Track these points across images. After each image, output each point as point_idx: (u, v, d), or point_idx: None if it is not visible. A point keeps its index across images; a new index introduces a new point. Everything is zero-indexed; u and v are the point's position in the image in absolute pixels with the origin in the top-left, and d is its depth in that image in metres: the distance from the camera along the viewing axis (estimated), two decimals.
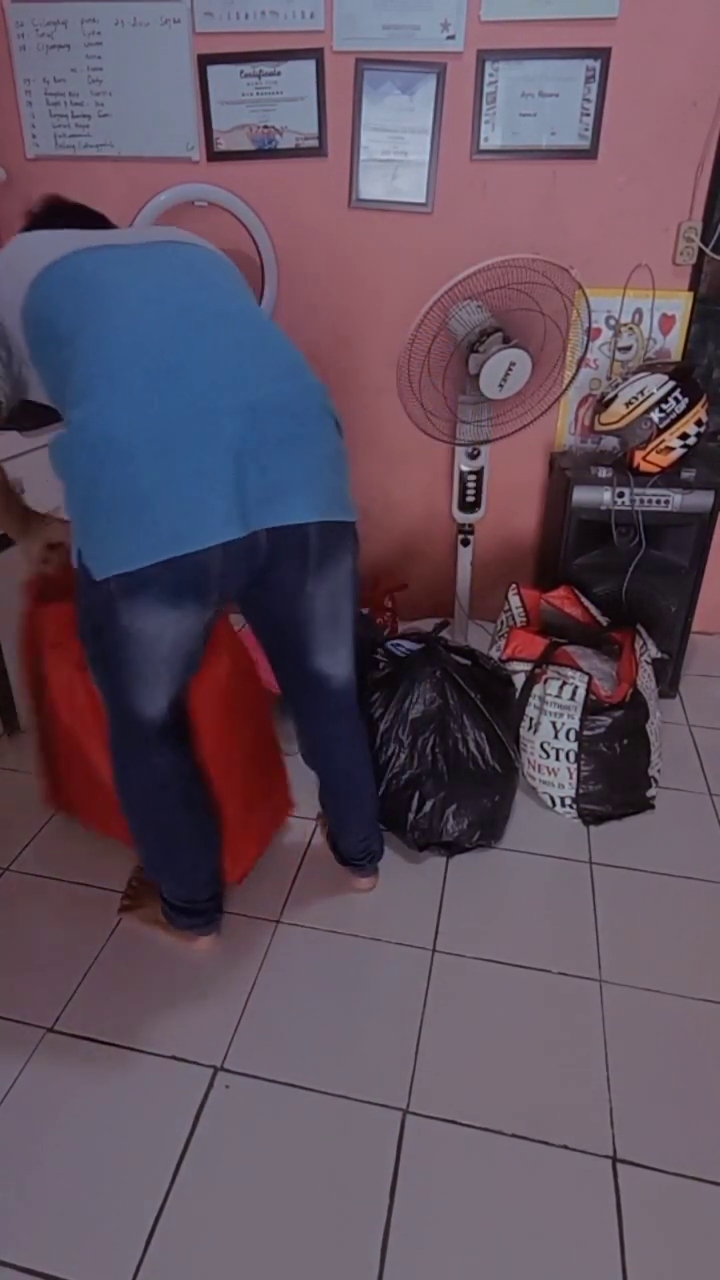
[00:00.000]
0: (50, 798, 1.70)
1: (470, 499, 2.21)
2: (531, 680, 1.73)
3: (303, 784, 1.51)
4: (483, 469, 2.17)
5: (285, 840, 1.69)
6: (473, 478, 2.18)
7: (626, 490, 1.96)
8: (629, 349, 2.16)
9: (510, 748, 1.64)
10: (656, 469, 1.96)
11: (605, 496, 1.97)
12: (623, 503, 1.97)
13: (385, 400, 2.16)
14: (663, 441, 1.91)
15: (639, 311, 2.13)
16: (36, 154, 2.19)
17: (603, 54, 1.90)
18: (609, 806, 1.73)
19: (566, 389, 2.00)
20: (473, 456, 2.15)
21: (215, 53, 2.02)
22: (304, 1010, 1.32)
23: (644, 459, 1.95)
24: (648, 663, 1.81)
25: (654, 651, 1.86)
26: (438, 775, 1.59)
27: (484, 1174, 1.09)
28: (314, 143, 2.07)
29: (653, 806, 1.77)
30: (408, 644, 1.75)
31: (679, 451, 1.93)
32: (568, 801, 1.73)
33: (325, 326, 2.26)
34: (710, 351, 2.17)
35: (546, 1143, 1.13)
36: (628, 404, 1.92)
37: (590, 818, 1.73)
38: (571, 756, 1.68)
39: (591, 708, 1.65)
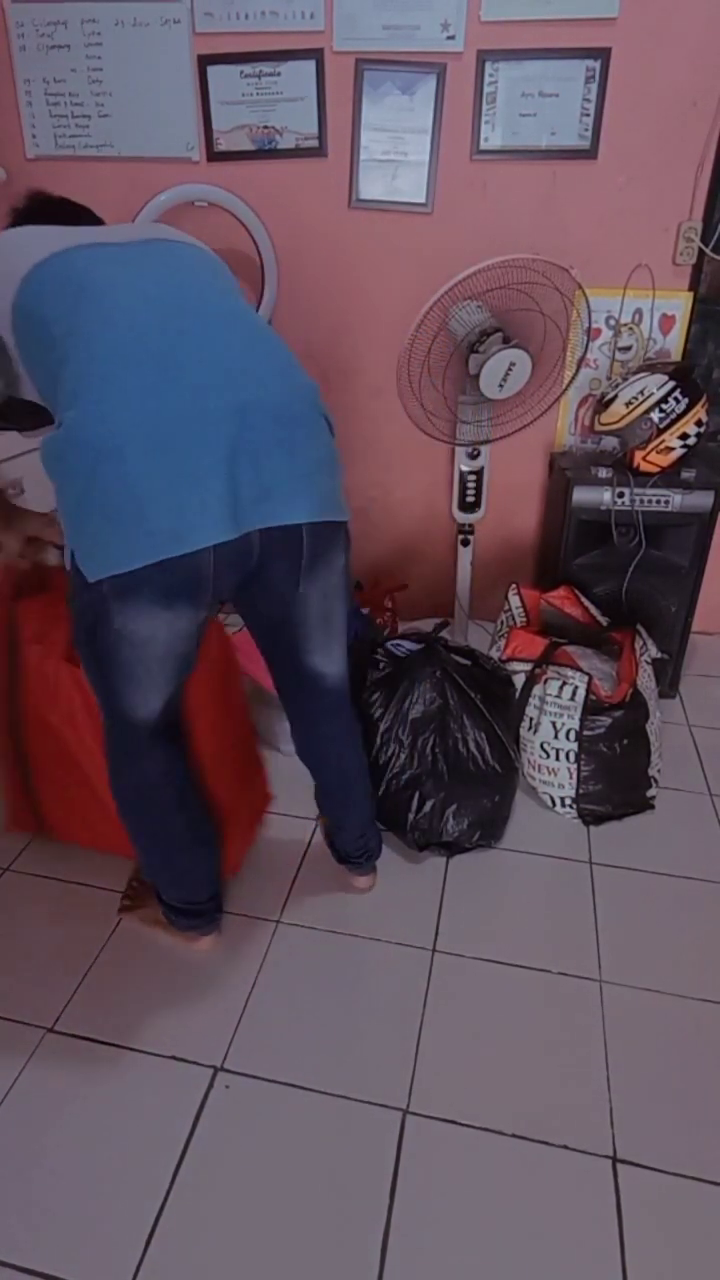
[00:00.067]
0: (20, 821, 1.63)
1: (470, 499, 2.21)
2: (531, 680, 1.73)
3: (302, 784, 1.51)
4: (483, 469, 2.17)
5: (285, 840, 1.69)
6: (473, 478, 2.18)
7: (626, 490, 1.96)
8: (629, 349, 2.16)
9: (510, 748, 1.64)
10: (656, 469, 1.96)
11: (605, 496, 1.97)
12: (623, 503, 1.97)
13: (385, 400, 2.16)
14: (663, 441, 1.91)
15: (639, 311, 2.13)
16: (36, 154, 2.19)
17: (603, 54, 1.90)
18: (609, 806, 1.73)
19: (566, 389, 2.00)
20: (473, 456, 2.15)
21: (215, 53, 2.02)
22: (304, 1010, 1.32)
23: (644, 459, 1.95)
24: (648, 663, 1.81)
25: (654, 651, 1.86)
26: (438, 775, 1.59)
27: (484, 1174, 1.09)
28: (314, 143, 2.07)
29: (653, 806, 1.77)
30: (408, 644, 1.75)
31: (679, 451, 1.93)
32: (568, 801, 1.73)
33: (325, 326, 2.26)
34: (710, 351, 2.17)
35: (546, 1143, 1.13)
36: (628, 404, 1.92)
37: (590, 818, 1.73)
38: (571, 756, 1.68)
39: (591, 708, 1.65)
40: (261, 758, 1.72)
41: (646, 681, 1.77)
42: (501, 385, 1.84)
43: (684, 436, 1.91)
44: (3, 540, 1.37)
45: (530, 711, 1.72)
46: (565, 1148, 1.12)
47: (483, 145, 2.02)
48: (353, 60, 1.98)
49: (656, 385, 1.89)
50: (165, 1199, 1.06)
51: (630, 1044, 1.26)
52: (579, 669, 1.69)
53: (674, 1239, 1.02)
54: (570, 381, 2.00)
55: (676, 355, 2.17)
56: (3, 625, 1.43)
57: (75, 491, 1.02)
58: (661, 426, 1.90)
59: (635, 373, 1.98)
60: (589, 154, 1.99)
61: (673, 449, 1.93)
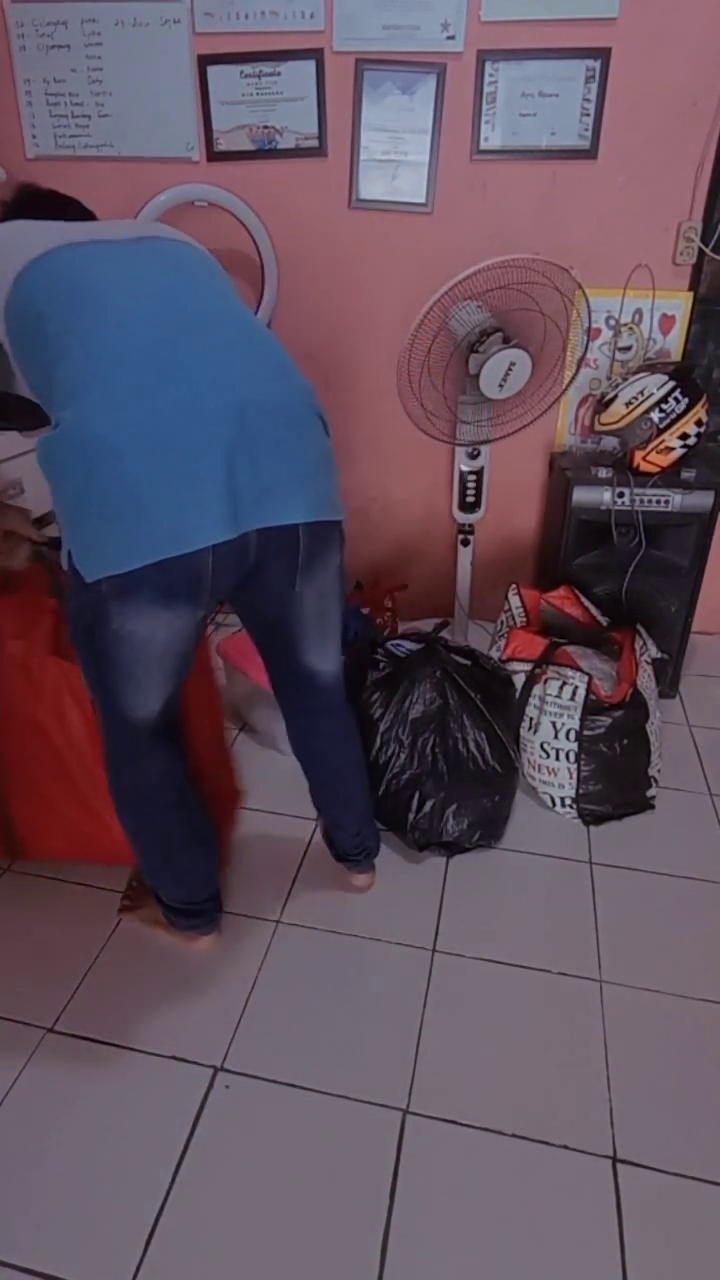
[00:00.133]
0: None
1: (470, 499, 2.21)
2: (531, 680, 1.73)
3: (303, 784, 1.51)
4: (483, 469, 2.17)
5: (285, 840, 1.69)
6: (473, 478, 2.18)
7: (626, 490, 1.96)
8: (629, 349, 2.16)
9: (510, 748, 1.64)
10: (656, 469, 1.96)
11: (605, 496, 1.97)
12: (623, 503, 1.97)
13: (385, 400, 2.16)
14: (663, 441, 1.91)
15: (639, 311, 2.13)
16: (36, 154, 2.19)
17: (603, 54, 1.90)
18: (609, 806, 1.73)
19: (566, 389, 2.00)
20: (473, 456, 2.15)
21: (215, 53, 2.02)
22: (304, 1010, 1.32)
23: (644, 459, 1.95)
24: (648, 663, 1.81)
25: (654, 651, 1.86)
26: (438, 775, 1.59)
27: (484, 1174, 1.09)
28: (314, 143, 2.07)
29: (653, 806, 1.77)
30: (408, 644, 1.75)
31: (679, 451, 1.93)
32: (568, 801, 1.73)
33: (325, 327, 2.26)
34: (710, 351, 2.17)
35: (546, 1143, 1.13)
36: (628, 404, 1.92)
37: (590, 818, 1.73)
38: (571, 756, 1.68)
39: (591, 708, 1.65)
40: (231, 756, 1.72)
41: (646, 681, 1.77)
42: (501, 385, 1.84)
43: (684, 436, 1.91)
44: None
45: (530, 711, 1.72)
46: (565, 1148, 1.12)
47: (483, 145, 2.02)
48: (353, 60, 1.98)
49: (656, 385, 1.89)
50: (165, 1199, 1.06)
51: (630, 1044, 1.26)
52: (579, 669, 1.69)
53: (674, 1239, 1.02)
54: (570, 381, 2.00)
55: (676, 355, 2.17)
56: None
57: (73, 491, 1.01)
58: (661, 426, 1.90)
59: (635, 373, 1.98)
60: (589, 154, 1.99)
61: (673, 449, 1.93)
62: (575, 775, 1.69)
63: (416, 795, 1.58)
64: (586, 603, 2.01)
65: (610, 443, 2.10)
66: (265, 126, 2.08)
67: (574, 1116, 1.16)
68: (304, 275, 2.20)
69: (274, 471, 1.05)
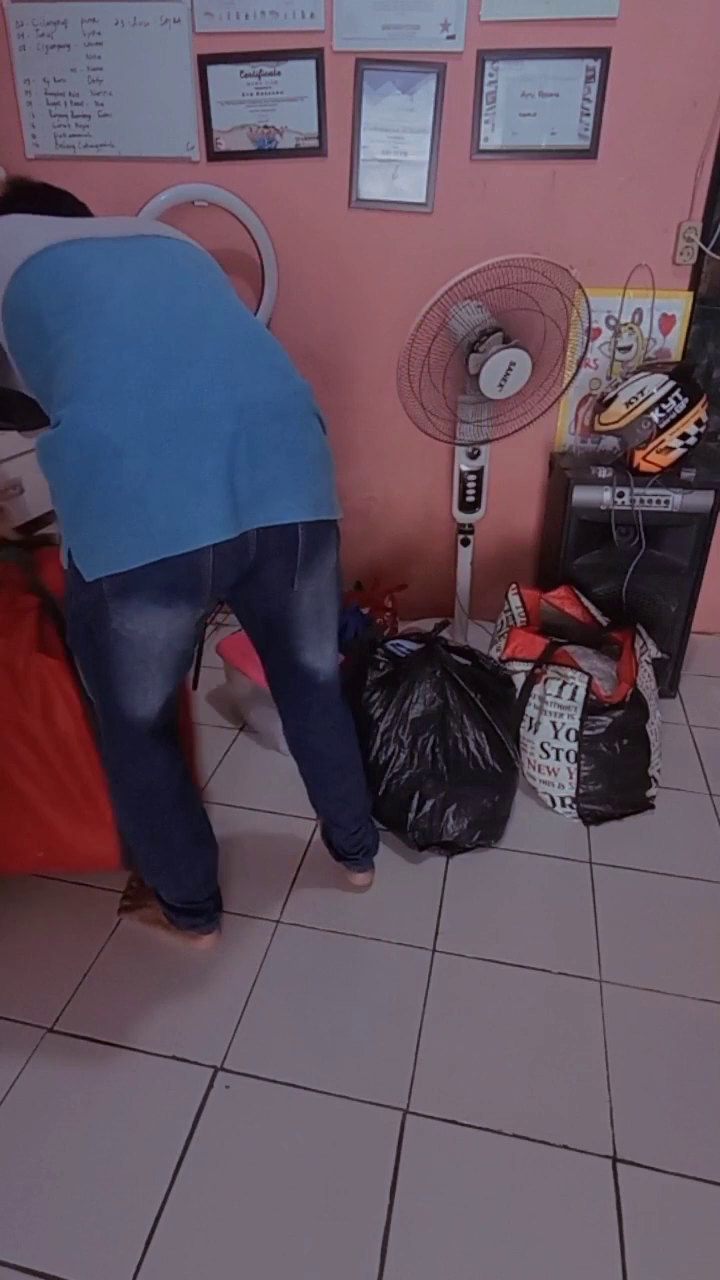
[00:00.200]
0: None
1: (470, 499, 2.21)
2: (531, 680, 1.73)
3: (302, 784, 1.51)
4: (483, 469, 2.17)
5: (285, 840, 1.69)
6: (473, 478, 2.18)
7: (626, 490, 1.96)
8: (629, 349, 2.16)
9: (510, 748, 1.64)
10: (656, 469, 1.96)
11: (605, 496, 1.97)
12: (623, 503, 1.97)
13: (385, 400, 2.16)
14: (663, 441, 1.91)
15: (639, 311, 2.13)
16: (36, 154, 2.19)
17: (603, 54, 1.90)
18: (609, 806, 1.73)
19: (566, 389, 2.00)
20: (473, 456, 2.14)
21: (215, 53, 2.02)
22: (304, 1010, 1.32)
23: (644, 459, 1.95)
24: (648, 663, 1.81)
25: (654, 651, 1.86)
26: (438, 775, 1.59)
27: (484, 1174, 1.09)
28: (314, 143, 2.07)
29: (653, 806, 1.77)
30: (408, 644, 1.75)
31: (679, 451, 1.93)
32: (568, 801, 1.73)
33: (325, 326, 2.26)
34: (710, 351, 2.17)
35: (546, 1143, 1.13)
36: (628, 404, 1.92)
37: (590, 818, 1.73)
38: (571, 756, 1.68)
39: (591, 708, 1.65)
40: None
41: (646, 681, 1.77)
42: (501, 385, 1.84)
43: (684, 436, 1.91)
44: None
45: (530, 711, 1.72)
46: (565, 1148, 1.12)
47: (483, 145, 2.02)
48: (353, 60, 1.98)
49: (656, 385, 1.89)
50: (165, 1199, 1.06)
51: (630, 1044, 1.26)
52: (579, 669, 1.69)
53: (674, 1239, 1.02)
54: (570, 381, 2.00)
55: (676, 355, 2.17)
56: None
57: (73, 490, 1.01)
58: (661, 426, 1.90)
59: (635, 373, 1.98)
60: (589, 154, 1.99)
61: (673, 449, 1.93)
62: (575, 775, 1.69)
63: (416, 795, 1.58)
64: (586, 603, 2.01)
65: (610, 443, 2.10)
66: (265, 126, 2.08)
67: (574, 1116, 1.16)
68: (304, 275, 2.20)
69: (274, 471, 1.05)
